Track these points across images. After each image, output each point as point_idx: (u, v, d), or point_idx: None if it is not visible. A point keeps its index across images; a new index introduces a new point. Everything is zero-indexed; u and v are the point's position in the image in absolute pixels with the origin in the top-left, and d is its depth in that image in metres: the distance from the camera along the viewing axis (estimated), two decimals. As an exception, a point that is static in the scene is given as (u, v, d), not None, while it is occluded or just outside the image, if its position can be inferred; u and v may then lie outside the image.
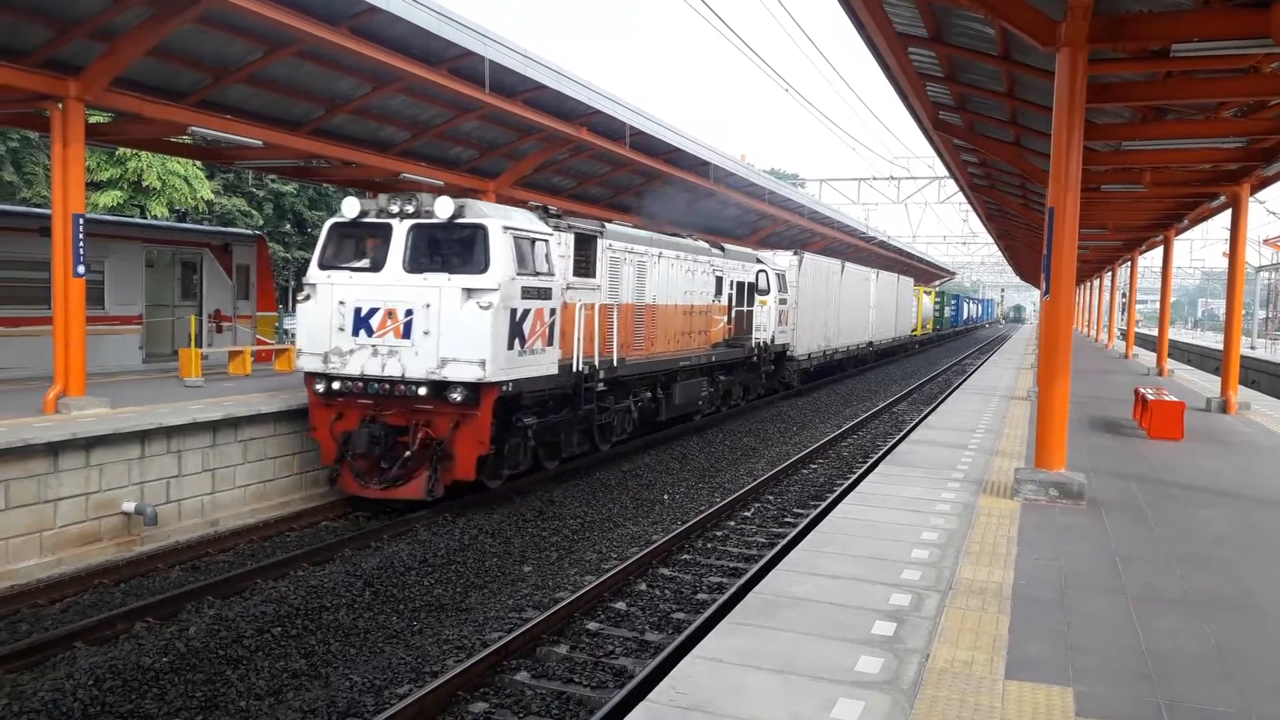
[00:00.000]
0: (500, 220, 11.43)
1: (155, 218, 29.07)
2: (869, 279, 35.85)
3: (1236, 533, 8.31)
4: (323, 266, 11.83)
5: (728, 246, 21.07)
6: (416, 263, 11.40)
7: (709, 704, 4.54)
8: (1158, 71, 10.42)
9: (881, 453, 16.22)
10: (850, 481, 13.94)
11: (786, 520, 12.24)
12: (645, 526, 11.69)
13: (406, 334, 11.21)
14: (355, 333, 11.42)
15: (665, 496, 13.35)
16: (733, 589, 8.90)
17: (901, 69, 11.80)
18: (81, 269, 11.56)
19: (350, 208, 11.82)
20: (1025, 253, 40.77)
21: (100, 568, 9.56)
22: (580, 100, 16.60)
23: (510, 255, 11.34)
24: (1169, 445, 12.96)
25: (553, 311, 12.32)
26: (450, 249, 11.50)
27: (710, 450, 17.04)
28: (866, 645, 5.32)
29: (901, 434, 18.40)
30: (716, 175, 24.58)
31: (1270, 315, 65.83)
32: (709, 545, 10.99)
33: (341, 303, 11.53)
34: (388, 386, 11.29)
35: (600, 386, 14.11)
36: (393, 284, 11.34)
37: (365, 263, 11.69)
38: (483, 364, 10.96)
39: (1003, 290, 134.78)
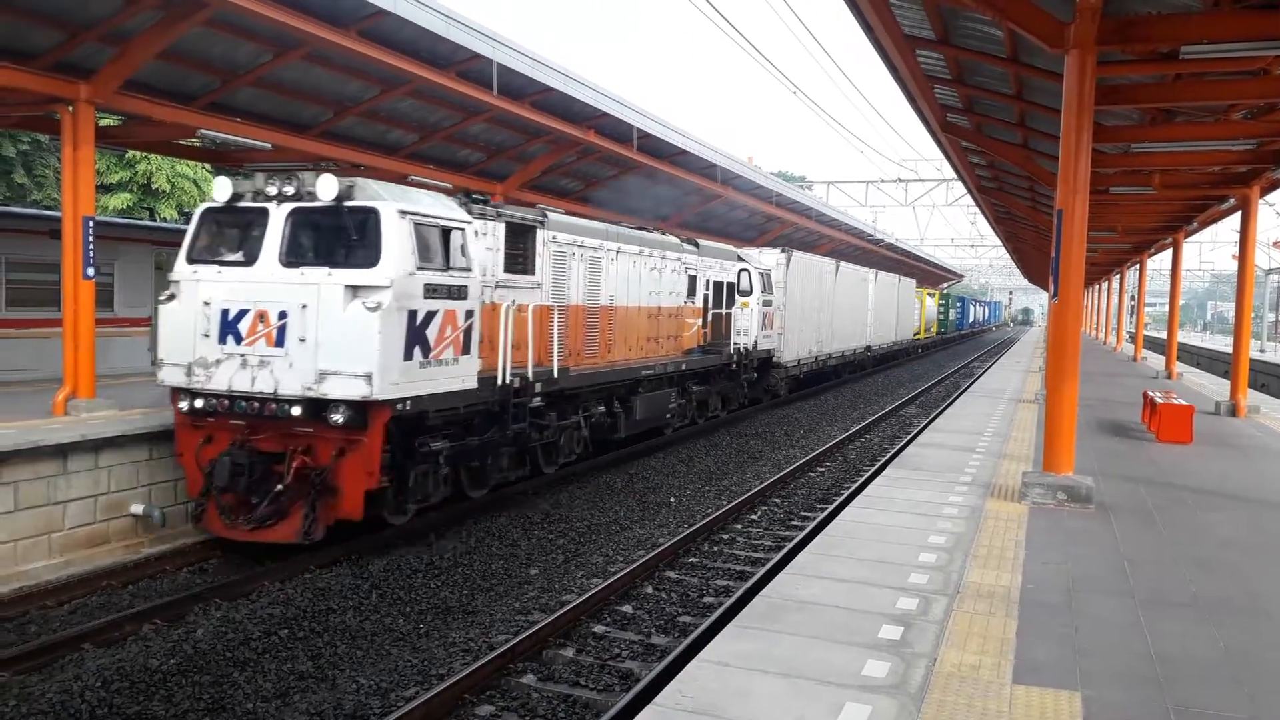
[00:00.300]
0: (397, 203, 9.64)
1: (165, 220, 29.20)
2: (866, 279, 34.43)
3: (1245, 536, 8.27)
4: (191, 260, 10.07)
5: (703, 243, 19.53)
6: (294, 255, 9.67)
7: (715, 708, 4.53)
8: (1167, 73, 10.39)
9: (889, 455, 16.19)
10: (857, 485, 13.91)
11: (793, 524, 12.21)
12: (652, 529, 11.68)
13: (280, 341, 9.43)
14: (222, 340, 9.67)
15: (672, 499, 13.33)
16: (739, 592, 8.89)
17: (909, 71, 11.78)
18: (91, 271, 11.61)
19: (222, 189, 10.13)
20: (1033, 255, 40.67)
21: (108, 569, 9.59)
22: (588, 102, 16.62)
23: (409, 245, 9.58)
24: (1178, 449, 12.90)
25: (469, 314, 10.52)
26: (335, 238, 9.74)
27: (716, 453, 17.02)
28: (873, 649, 5.30)
29: (909, 436, 18.36)
30: (724, 177, 24.59)
31: (1280, 318, 65.44)
32: (715, 549, 10.97)
33: (207, 303, 9.76)
34: (257, 405, 9.47)
35: (536, 402, 12.37)
36: (265, 281, 9.61)
37: (239, 256, 9.95)
38: (369, 378, 9.14)
39: (1010, 293, 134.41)
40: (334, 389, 9.24)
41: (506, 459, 12.24)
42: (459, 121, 16.95)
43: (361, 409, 9.33)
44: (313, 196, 9.69)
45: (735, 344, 20.09)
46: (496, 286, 11.47)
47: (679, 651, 7.36)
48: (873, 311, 35.26)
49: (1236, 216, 18.62)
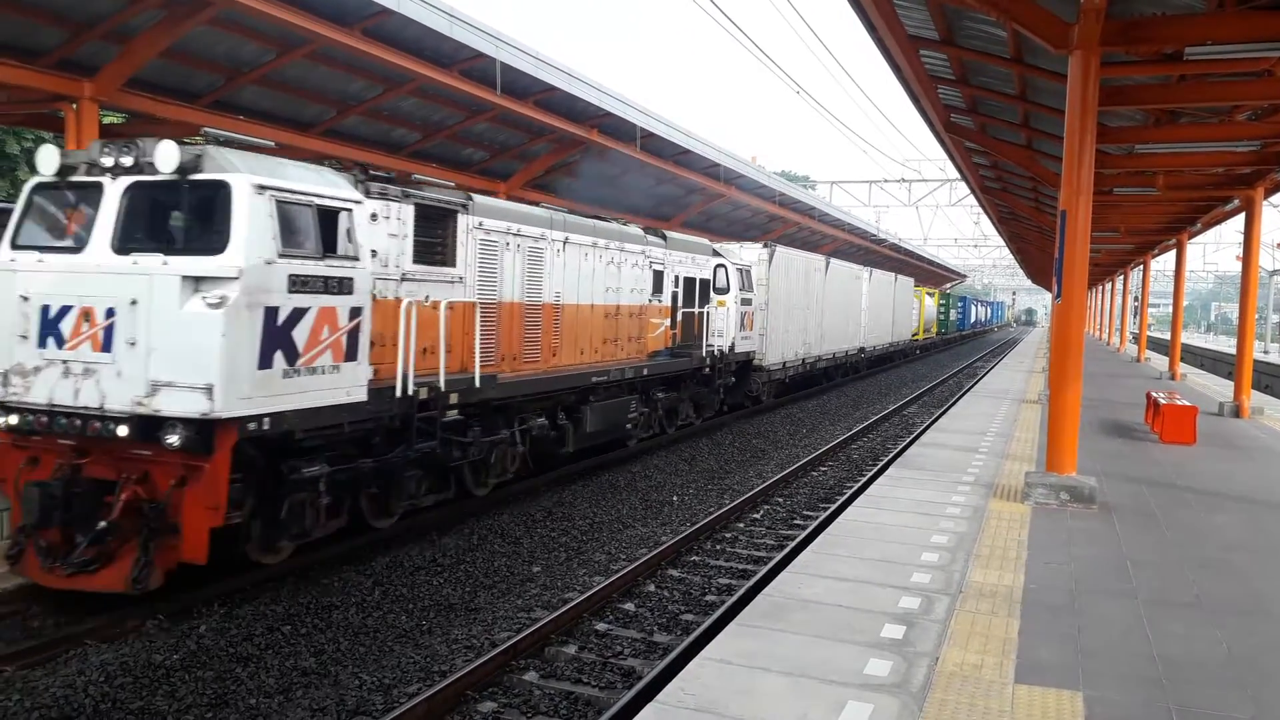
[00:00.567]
0: (254, 176, 7.91)
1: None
2: (860, 277, 33.08)
3: (1249, 538, 8.27)
4: (15, 245, 8.44)
5: (672, 235, 17.58)
6: (129, 240, 7.99)
7: (717, 705, 4.54)
8: (1171, 75, 10.40)
9: (892, 455, 16.19)
10: (860, 484, 13.91)
11: (795, 523, 12.22)
12: (654, 528, 11.69)
13: (107, 345, 7.75)
14: (42, 343, 7.99)
15: (674, 498, 13.34)
16: (741, 591, 8.89)
17: (913, 71, 11.79)
18: None
19: (48, 160, 8.43)
20: (1037, 256, 40.66)
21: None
22: (591, 102, 16.65)
23: (269, 228, 7.86)
24: (1181, 450, 12.90)
25: (356, 311, 8.79)
26: (178, 219, 8.26)
27: (719, 452, 17.03)
28: (876, 648, 5.31)
29: (912, 436, 18.36)
30: (727, 176, 24.63)
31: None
32: (718, 547, 10.98)
33: (25, 298, 8.10)
34: (79, 423, 7.75)
35: (453, 415, 10.57)
36: (91, 271, 7.94)
37: (69, 241, 8.33)
38: (210, 391, 7.44)
39: (1014, 293, 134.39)
40: (168, 404, 7.54)
41: (416, 482, 10.40)
42: (462, 120, 16.99)
43: (203, 429, 7.54)
44: (154, 169, 7.98)
45: (710, 346, 18.60)
46: (402, 280, 9.75)
47: (681, 649, 7.36)
48: (867, 311, 33.98)
49: (1241, 218, 18.62)
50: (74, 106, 11.48)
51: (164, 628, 7.81)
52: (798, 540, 10.79)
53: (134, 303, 7.69)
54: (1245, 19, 8.44)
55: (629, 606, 8.80)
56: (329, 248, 8.54)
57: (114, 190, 8.13)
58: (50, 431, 7.93)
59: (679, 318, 17.42)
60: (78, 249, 8.14)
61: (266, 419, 7.87)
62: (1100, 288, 52.95)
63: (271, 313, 7.86)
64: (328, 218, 8.58)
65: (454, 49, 13.33)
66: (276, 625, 7.95)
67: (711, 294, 18.86)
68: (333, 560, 9.60)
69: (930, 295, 55.72)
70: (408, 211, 9.87)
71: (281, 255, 7.96)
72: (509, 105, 15.34)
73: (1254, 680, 5.08)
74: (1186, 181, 16.81)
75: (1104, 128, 11.64)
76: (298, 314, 8.13)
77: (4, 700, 6.39)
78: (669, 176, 22.62)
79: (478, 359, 10.85)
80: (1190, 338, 61.86)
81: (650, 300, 16.18)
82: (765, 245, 22.68)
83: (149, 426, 7.61)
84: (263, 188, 7.91)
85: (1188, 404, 13.83)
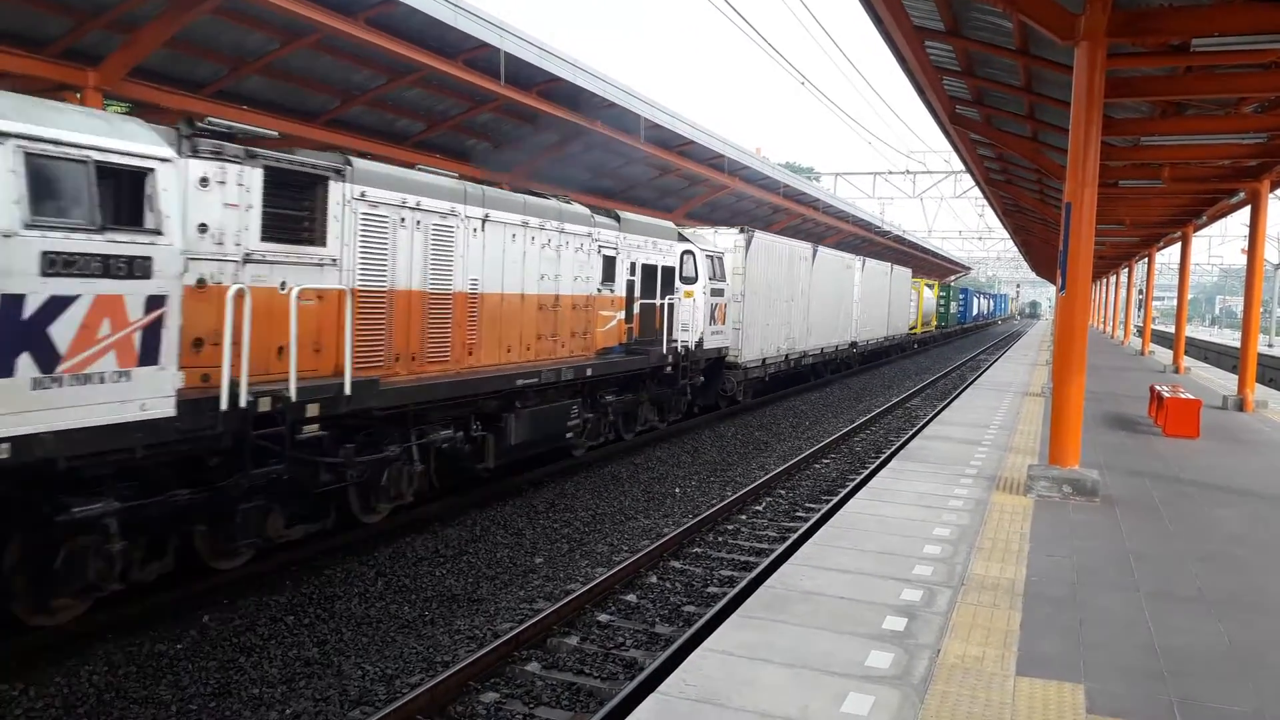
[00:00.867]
0: None
1: None
2: (851, 267, 31.05)
3: (1252, 531, 8.26)
4: None
5: (627, 216, 15.35)
6: None
7: (719, 696, 4.55)
8: (1177, 66, 10.35)
9: (894, 448, 16.19)
10: (863, 477, 13.92)
11: (798, 515, 12.23)
12: (656, 519, 11.70)
13: None
14: None
15: (677, 490, 13.36)
16: (743, 583, 8.91)
17: (919, 63, 11.75)
18: None
19: None
20: (1041, 248, 40.56)
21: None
22: (595, 93, 16.63)
23: (10, 187, 5.98)
24: (1184, 443, 12.89)
25: (156, 301, 6.85)
26: None
27: (722, 445, 17.04)
28: (877, 640, 5.32)
29: (915, 429, 18.37)
30: (731, 168, 24.60)
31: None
32: (720, 539, 10.99)
33: None
34: None
35: (311, 430, 8.55)
36: None
37: None
38: None
39: (1018, 286, 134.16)
40: None
41: (261, 515, 8.23)
42: (466, 110, 16.97)
43: None
44: None
45: (674, 342, 16.45)
46: (245, 261, 8.00)
47: (683, 641, 7.38)
48: (859, 303, 31.97)
49: (1246, 210, 18.57)
50: (78, 96, 11.49)
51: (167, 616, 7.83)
52: (800, 532, 10.79)
53: None
54: (1253, 11, 8.41)
55: (631, 598, 8.82)
56: (117, 217, 6.62)
57: None
58: None
59: (636, 310, 15.50)
60: None
61: (7, 444, 5.97)
62: (1104, 281, 52.83)
63: (11, 302, 5.97)
64: (118, 179, 6.67)
65: (458, 39, 13.32)
66: (280, 615, 7.98)
67: (677, 284, 16.89)
68: (336, 551, 9.62)
69: (929, 287, 53.75)
70: (254, 176, 8.04)
71: (28, 226, 6.04)
72: (513, 95, 15.32)
73: (1256, 672, 5.09)
74: (1192, 174, 16.76)
75: (1109, 119, 11.59)
76: (58, 304, 6.23)
77: (8, 690, 6.41)
78: (672, 167, 22.58)
79: (348, 360, 8.80)
80: (1195, 331, 61.74)
81: (599, 290, 14.24)
82: (742, 230, 20.66)
83: None
84: (5, 135, 6.01)
85: (1191, 397, 13.81)
